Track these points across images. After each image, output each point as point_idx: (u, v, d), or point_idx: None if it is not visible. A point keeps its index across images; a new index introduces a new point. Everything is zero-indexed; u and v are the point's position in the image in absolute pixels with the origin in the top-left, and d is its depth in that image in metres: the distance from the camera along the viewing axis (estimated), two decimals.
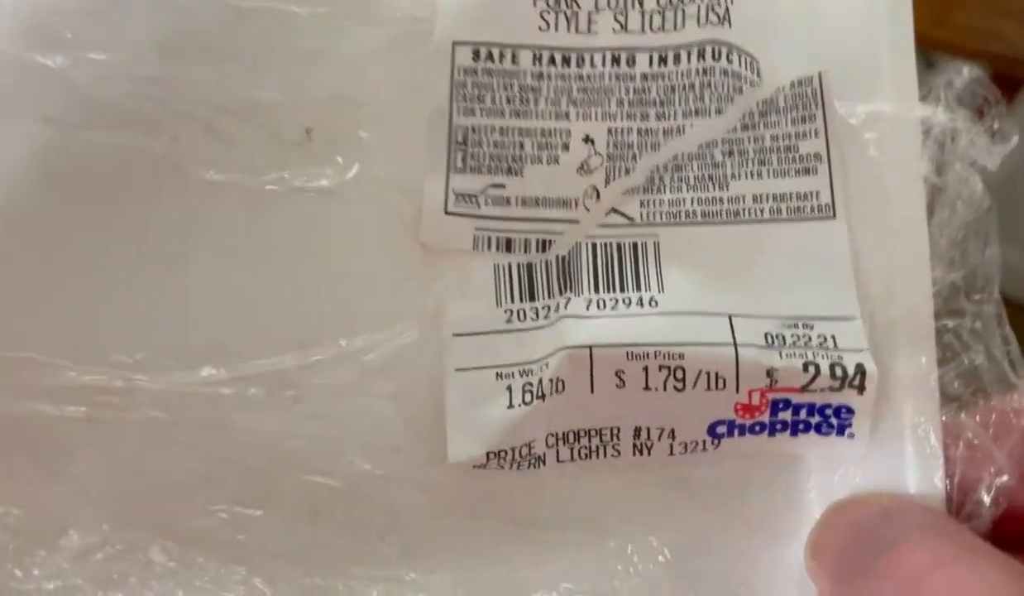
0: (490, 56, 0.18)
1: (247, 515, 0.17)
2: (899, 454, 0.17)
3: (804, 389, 0.17)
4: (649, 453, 0.18)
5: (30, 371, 0.16)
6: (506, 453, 0.17)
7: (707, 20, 0.18)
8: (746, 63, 0.18)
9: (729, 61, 0.18)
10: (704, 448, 0.18)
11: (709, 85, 0.18)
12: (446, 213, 0.18)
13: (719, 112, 0.18)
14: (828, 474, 0.17)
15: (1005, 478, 0.15)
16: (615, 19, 0.18)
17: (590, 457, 0.18)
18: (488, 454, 0.17)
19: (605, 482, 0.18)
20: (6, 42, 0.17)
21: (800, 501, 0.18)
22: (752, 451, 0.18)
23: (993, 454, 0.16)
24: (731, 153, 0.18)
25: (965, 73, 0.17)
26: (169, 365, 0.17)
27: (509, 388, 0.17)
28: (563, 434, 0.17)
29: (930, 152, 0.17)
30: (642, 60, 0.18)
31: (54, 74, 0.16)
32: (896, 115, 0.18)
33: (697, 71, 0.18)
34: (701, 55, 0.18)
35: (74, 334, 0.16)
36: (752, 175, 0.18)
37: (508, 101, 0.18)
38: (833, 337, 0.17)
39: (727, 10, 0.18)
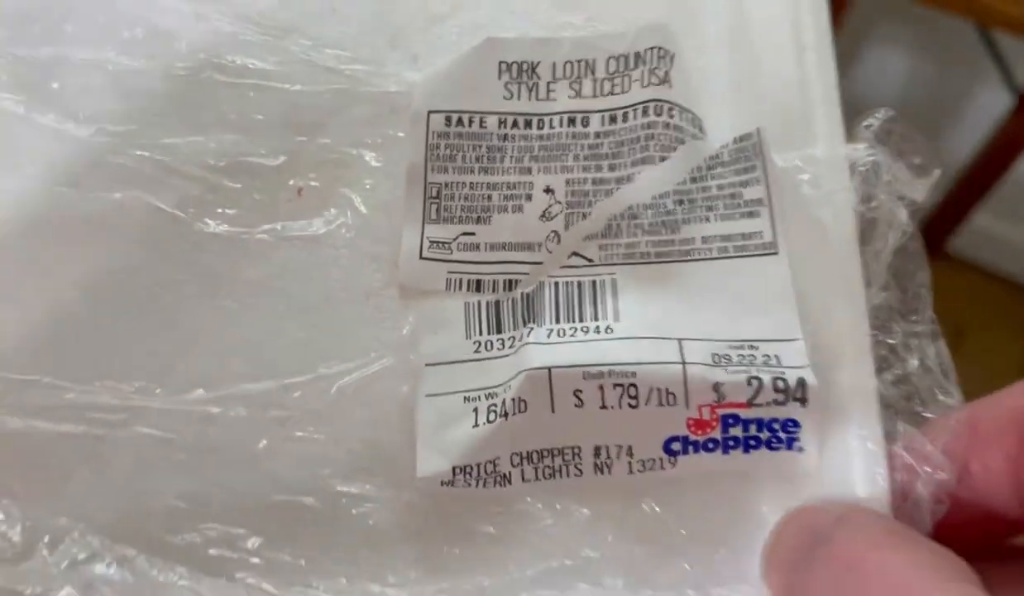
0: (460, 121, 0.20)
1: (231, 533, 0.18)
2: (845, 463, 0.18)
3: (750, 403, 0.18)
4: (609, 472, 0.19)
5: (35, 391, 0.18)
6: (472, 469, 0.18)
7: (649, 82, 0.20)
8: (687, 119, 0.20)
9: (671, 116, 0.20)
10: (662, 466, 0.19)
11: (653, 137, 0.20)
12: (421, 258, 0.20)
13: (663, 160, 0.20)
14: (781, 488, 0.18)
15: (944, 475, 0.16)
16: (570, 87, 0.21)
17: (553, 476, 0.19)
18: (454, 469, 0.18)
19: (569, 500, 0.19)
20: (47, 117, 0.19)
21: (757, 515, 0.18)
22: (708, 469, 0.19)
23: (930, 454, 0.16)
24: (682, 202, 0.20)
25: (880, 114, 0.19)
26: (163, 390, 0.18)
27: (475, 409, 0.19)
28: (527, 453, 0.19)
29: (857, 187, 0.19)
30: (595, 120, 0.20)
31: (80, 143, 0.19)
32: (826, 157, 0.20)
33: (642, 126, 0.20)
34: (645, 112, 0.20)
35: (79, 362, 0.18)
36: (701, 220, 0.20)
37: (477, 159, 0.20)
38: (776, 356, 0.18)
39: (667, 73, 0.20)
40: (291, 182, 0.20)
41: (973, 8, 0.66)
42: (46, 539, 0.17)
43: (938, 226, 0.95)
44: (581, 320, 0.19)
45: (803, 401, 0.18)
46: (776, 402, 0.18)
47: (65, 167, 0.19)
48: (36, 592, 0.17)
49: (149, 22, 0.20)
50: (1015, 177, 1.13)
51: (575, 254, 0.20)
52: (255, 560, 0.18)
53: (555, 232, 0.20)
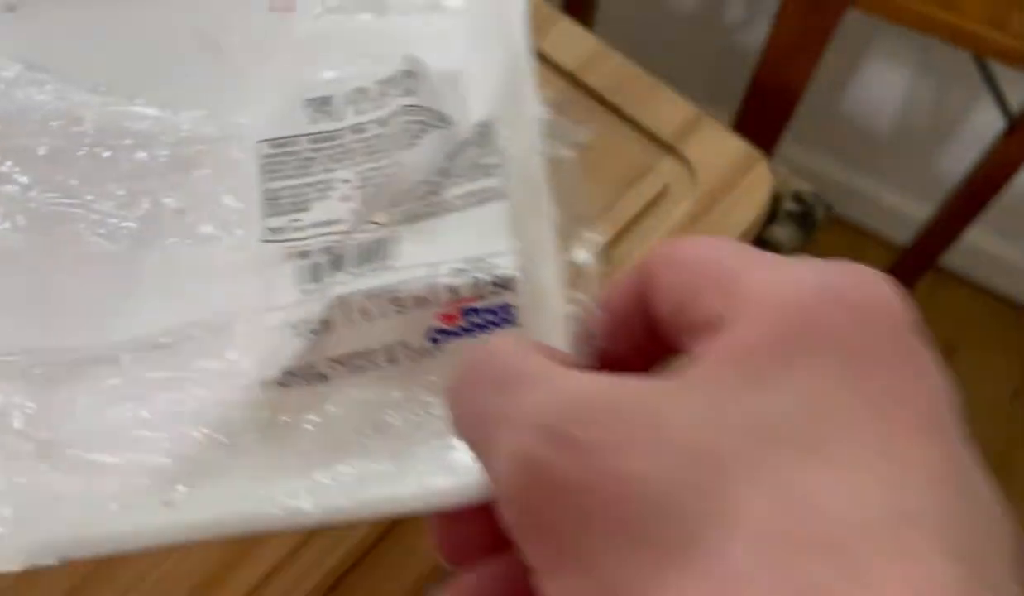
0: (281, 144, 0.29)
1: None
2: (546, 328, 0.25)
3: (479, 297, 0.26)
4: (397, 363, 0.27)
5: None
6: (298, 371, 0.26)
7: (402, 94, 0.29)
8: (430, 114, 0.29)
9: (417, 115, 0.29)
10: (432, 355, 0.27)
11: (407, 131, 0.28)
12: (263, 241, 0.29)
13: (414, 145, 0.28)
14: None
15: (596, 316, 0.23)
16: (355, 108, 0.29)
17: (358, 372, 0.27)
18: (285, 373, 0.26)
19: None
20: None
21: None
22: (463, 349, 0.26)
23: (589, 308, 0.24)
24: (443, 174, 0.29)
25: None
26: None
27: (299, 333, 0.27)
28: (337, 357, 0.27)
29: (546, 145, 0.27)
30: (371, 127, 0.29)
31: None
32: (524, 124, 0.28)
33: (400, 125, 0.29)
34: (402, 114, 0.29)
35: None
36: (456, 185, 0.29)
37: (295, 168, 0.29)
38: (497, 264, 0.26)
39: (414, 86, 0.29)
40: (174, 206, 0.29)
41: (958, 35, 0.70)
42: None
43: (931, 242, 0.98)
44: (370, 263, 0.28)
45: (513, 290, 0.26)
46: (494, 293, 0.26)
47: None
48: None
49: None
50: (1012, 195, 1.15)
51: (371, 222, 0.29)
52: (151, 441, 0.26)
53: (353, 208, 0.29)
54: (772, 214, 0.42)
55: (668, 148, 0.43)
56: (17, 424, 0.26)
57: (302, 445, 0.26)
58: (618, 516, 0.14)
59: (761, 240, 0.44)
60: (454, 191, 0.28)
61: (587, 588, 0.14)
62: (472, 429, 0.19)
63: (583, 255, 0.26)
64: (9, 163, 0.29)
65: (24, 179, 0.29)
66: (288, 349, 0.27)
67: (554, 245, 0.26)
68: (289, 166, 0.29)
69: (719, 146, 0.42)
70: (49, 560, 0.23)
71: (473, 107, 0.30)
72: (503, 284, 0.26)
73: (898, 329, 0.16)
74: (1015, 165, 0.82)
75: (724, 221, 0.40)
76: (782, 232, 0.40)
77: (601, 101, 0.44)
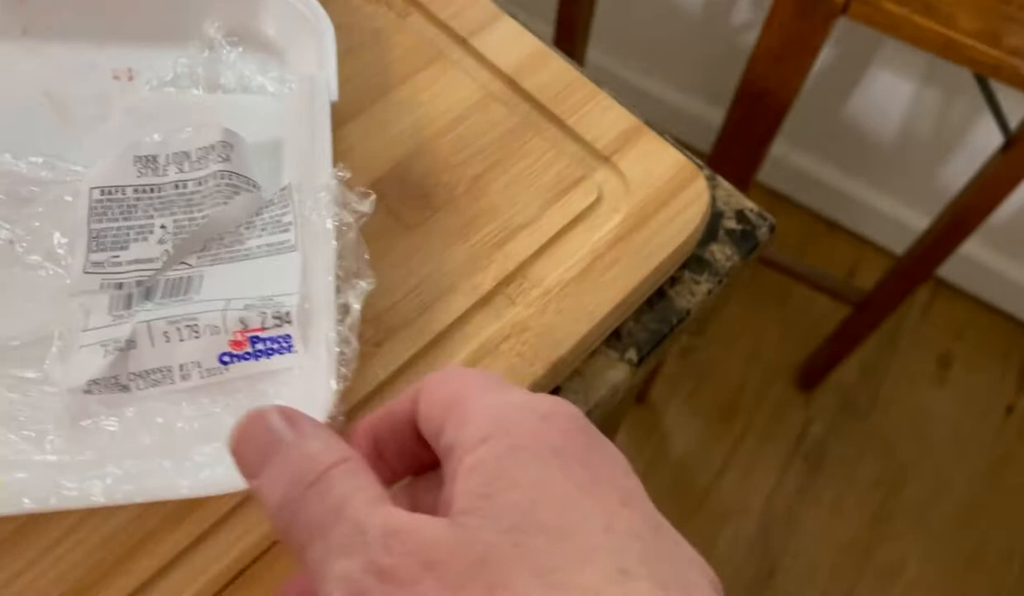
0: (109, 191, 0.35)
1: None
2: (316, 356, 0.31)
3: (264, 328, 0.32)
4: (189, 379, 0.32)
5: None
6: (101, 381, 0.31)
7: (219, 160, 0.35)
8: (241, 179, 0.35)
9: (230, 179, 0.35)
10: (221, 373, 0.32)
11: (219, 192, 0.34)
12: (84, 273, 0.34)
13: (225, 204, 0.34)
14: (288, 376, 0.32)
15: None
16: (176, 167, 0.35)
17: (156, 385, 0.32)
18: (89, 382, 0.31)
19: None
20: None
21: (270, 395, 0.32)
22: (249, 371, 0.32)
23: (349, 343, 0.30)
24: (248, 227, 0.35)
25: (338, 172, 0.34)
26: None
27: (106, 349, 0.32)
28: (138, 372, 0.32)
29: (335, 210, 0.34)
30: (190, 184, 0.35)
31: None
32: (318, 192, 0.34)
33: (214, 186, 0.34)
34: (217, 177, 0.35)
35: None
36: (258, 236, 0.34)
37: (120, 213, 0.34)
38: (282, 302, 0.32)
39: (229, 155, 0.35)
40: (7, 237, 0.34)
41: (950, 48, 0.66)
42: None
43: (928, 254, 0.92)
44: (176, 296, 0.33)
45: (290, 323, 0.32)
46: (276, 325, 0.32)
47: None
48: None
49: None
50: (1013, 211, 1.17)
51: (182, 263, 0.34)
52: None
53: (166, 250, 0.34)
54: (712, 232, 0.41)
55: (603, 158, 0.40)
56: None
57: (100, 442, 0.31)
58: None
59: (697, 258, 0.41)
60: (255, 242, 0.34)
61: None
62: (293, 532, 0.21)
63: (352, 299, 0.32)
64: None
65: None
66: (95, 363, 0.31)
67: (332, 290, 0.32)
68: (114, 210, 0.34)
69: (657, 158, 0.40)
70: None
71: (284, 174, 0.36)
72: (283, 318, 0.32)
73: (592, 437, 0.21)
74: (1013, 182, 0.77)
75: (655, 238, 0.38)
76: (720, 251, 0.40)
77: (538, 106, 0.42)
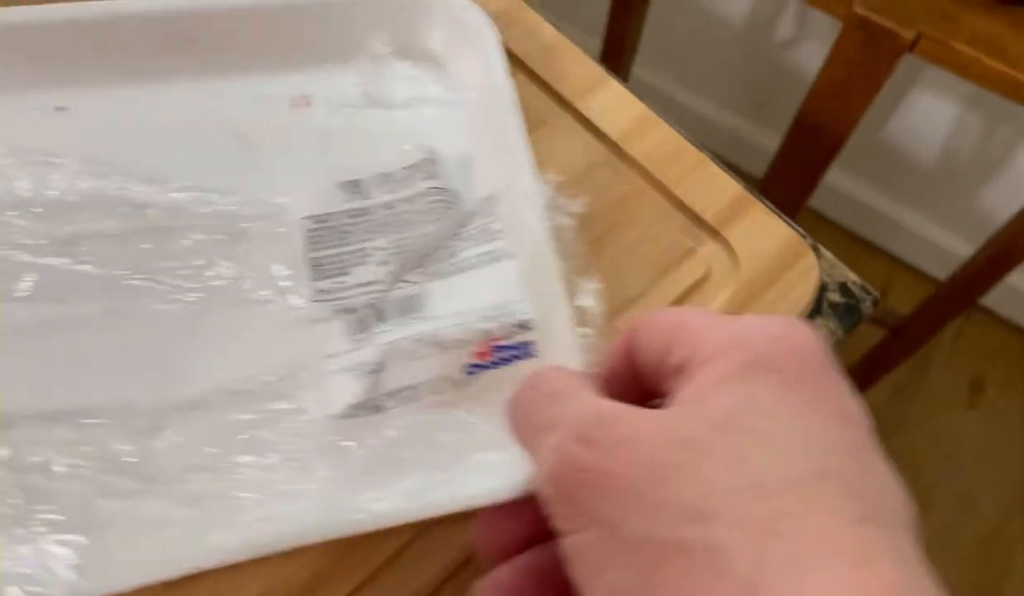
0: (322, 220, 0.35)
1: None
2: (561, 360, 0.33)
3: (505, 336, 0.33)
4: (440, 393, 0.33)
5: None
6: (361, 405, 0.32)
7: (426, 178, 0.36)
8: (450, 194, 0.36)
9: (441, 196, 0.35)
10: (468, 385, 0.33)
11: (432, 209, 0.35)
12: (314, 302, 0.35)
13: (440, 219, 0.35)
14: None
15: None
16: (382, 188, 0.36)
17: (408, 402, 0.33)
18: (350, 407, 0.32)
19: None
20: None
21: None
22: (493, 378, 0.33)
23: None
24: (459, 239, 0.36)
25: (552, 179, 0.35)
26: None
27: (358, 374, 0.33)
28: (390, 392, 0.33)
29: (547, 212, 0.35)
30: (399, 204, 0.36)
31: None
32: (528, 199, 0.35)
33: (427, 203, 0.35)
34: (427, 194, 0.35)
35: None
36: (469, 246, 0.35)
37: (335, 239, 0.35)
38: (514, 311, 0.33)
39: (435, 171, 0.36)
40: (231, 274, 0.35)
41: (1019, 90, 0.66)
42: None
43: (970, 283, 0.91)
44: (409, 314, 0.34)
45: (532, 329, 0.33)
46: (517, 333, 0.33)
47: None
48: None
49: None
50: None
51: (403, 281, 0.35)
52: (245, 469, 0.32)
53: (390, 271, 0.35)
54: (816, 305, 0.40)
55: (712, 231, 0.39)
56: (123, 466, 0.31)
57: (366, 463, 0.32)
58: (621, 486, 0.20)
59: None
60: (469, 252, 0.35)
61: (600, 537, 0.20)
62: (525, 431, 0.26)
63: (587, 300, 0.33)
64: (85, 247, 0.34)
65: (98, 258, 0.34)
66: (349, 388, 0.33)
67: (561, 293, 0.33)
68: (330, 238, 0.35)
69: (766, 231, 0.39)
70: (159, 578, 0.28)
71: (476, 183, 0.37)
72: (524, 325, 0.33)
73: (818, 360, 0.22)
74: None
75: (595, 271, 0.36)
76: (824, 326, 0.39)
77: (644, 174, 0.41)
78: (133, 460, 0.31)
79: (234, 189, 0.37)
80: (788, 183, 0.91)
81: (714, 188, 0.40)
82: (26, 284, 0.33)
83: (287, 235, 0.36)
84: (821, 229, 1.39)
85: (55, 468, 0.30)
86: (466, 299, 0.34)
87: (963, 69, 0.67)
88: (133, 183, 0.36)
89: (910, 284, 1.35)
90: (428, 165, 0.36)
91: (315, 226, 0.36)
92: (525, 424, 0.26)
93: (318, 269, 0.35)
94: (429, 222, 0.35)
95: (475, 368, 0.33)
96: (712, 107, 1.36)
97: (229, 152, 0.38)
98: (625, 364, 0.27)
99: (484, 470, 0.32)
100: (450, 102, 0.40)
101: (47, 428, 0.31)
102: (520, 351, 0.33)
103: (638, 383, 0.27)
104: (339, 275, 0.35)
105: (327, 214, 0.36)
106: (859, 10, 0.70)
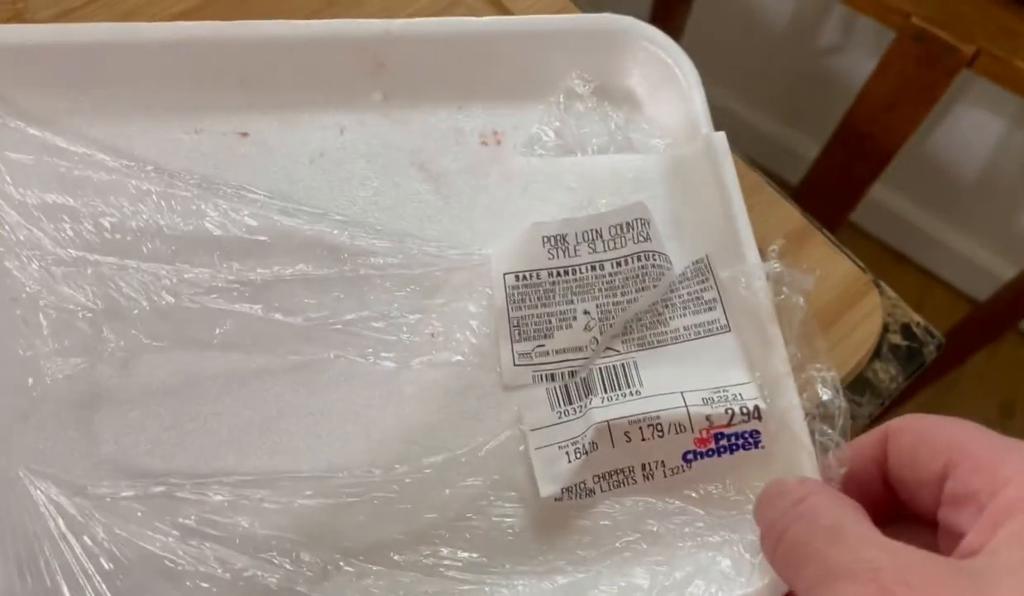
0: (523, 277, 0.33)
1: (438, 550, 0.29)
2: (788, 454, 0.30)
3: (729, 424, 0.30)
4: (652, 479, 0.31)
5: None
6: (571, 489, 0.30)
7: (637, 240, 0.33)
8: (663, 258, 0.33)
9: (654, 260, 0.33)
10: (683, 471, 0.31)
11: (645, 274, 0.33)
12: (514, 365, 0.32)
13: (654, 287, 0.33)
14: (756, 472, 0.30)
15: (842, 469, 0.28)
16: (588, 247, 0.33)
17: (619, 486, 0.31)
18: (562, 490, 0.30)
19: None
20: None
21: (746, 491, 0.30)
22: (711, 468, 0.31)
23: (840, 444, 0.28)
24: (667, 306, 0.33)
25: (776, 245, 0.32)
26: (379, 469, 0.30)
27: (567, 452, 0.31)
28: (602, 474, 0.31)
29: (771, 285, 0.32)
30: (607, 265, 0.33)
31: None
32: (749, 269, 0.32)
33: (638, 267, 0.33)
34: (638, 258, 0.33)
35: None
36: (680, 316, 0.33)
37: (538, 298, 0.33)
38: (740, 394, 0.31)
39: (648, 233, 0.33)
40: (427, 330, 0.32)
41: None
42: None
43: (1011, 308, 0.90)
44: (619, 388, 0.32)
45: (759, 418, 0.30)
46: (743, 421, 0.30)
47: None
48: None
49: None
50: None
51: (608, 348, 0.33)
52: (451, 562, 0.29)
53: (594, 338, 0.33)
54: (875, 348, 0.38)
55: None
56: (311, 543, 0.29)
57: (574, 550, 0.30)
58: None
59: (859, 376, 0.37)
60: (679, 322, 0.33)
61: None
62: (794, 565, 0.23)
63: (826, 392, 0.30)
64: (276, 293, 0.32)
65: (289, 306, 0.32)
66: (563, 469, 0.30)
67: (791, 379, 0.31)
68: (532, 297, 0.33)
69: (828, 267, 0.37)
70: None
71: (687, 244, 0.34)
72: (751, 413, 0.30)
73: None
74: None
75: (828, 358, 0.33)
76: (884, 371, 0.37)
77: None
78: (319, 534, 0.29)
79: (429, 234, 0.34)
80: (830, 195, 0.87)
81: (774, 217, 0.38)
82: (221, 331, 0.31)
83: (487, 290, 0.33)
84: (853, 239, 1.34)
85: None
86: (684, 378, 0.32)
87: (1023, 88, 0.64)
88: (323, 224, 0.33)
89: (943, 300, 1.31)
90: (642, 226, 0.33)
91: (517, 283, 0.33)
92: (794, 556, 0.23)
93: (518, 330, 0.33)
94: (641, 289, 0.33)
95: (694, 455, 0.31)
96: (744, 107, 1.32)
97: (418, 189, 0.36)
98: (871, 469, 0.25)
99: (708, 572, 0.29)
100: (651, 148, 0.37)
101: (243, 489, 0.29)
102: (745, 440, 0.31)
103: (880, 487, 0.25)
104: (540, 338, 0.33)
105: (530, 271, 0.33)
106: (916, 21, 0.66)
